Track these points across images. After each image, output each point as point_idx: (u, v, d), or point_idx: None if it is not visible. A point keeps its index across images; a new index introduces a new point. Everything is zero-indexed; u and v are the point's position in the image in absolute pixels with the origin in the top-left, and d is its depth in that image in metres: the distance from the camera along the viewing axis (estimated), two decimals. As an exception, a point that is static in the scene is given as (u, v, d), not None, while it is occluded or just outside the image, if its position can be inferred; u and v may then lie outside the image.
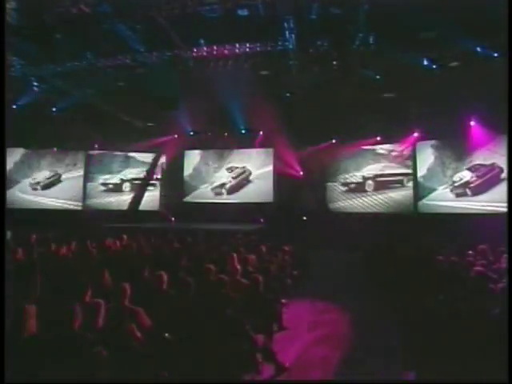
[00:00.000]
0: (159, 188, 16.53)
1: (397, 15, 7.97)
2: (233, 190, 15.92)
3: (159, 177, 16.36)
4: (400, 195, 14.12)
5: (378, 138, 13.96)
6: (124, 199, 16.58)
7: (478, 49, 9.41)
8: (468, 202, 13.04)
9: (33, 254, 6.67)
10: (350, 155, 14.62)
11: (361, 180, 14.67)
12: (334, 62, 10.39)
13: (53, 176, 16.51)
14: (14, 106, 12.92)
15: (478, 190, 12.83)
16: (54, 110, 13.70)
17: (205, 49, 10.27)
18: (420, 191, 13.79)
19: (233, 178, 15.95)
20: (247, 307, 4.53)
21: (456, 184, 13.25)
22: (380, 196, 14.36)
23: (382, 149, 14.36)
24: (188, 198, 16.38)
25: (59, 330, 3.38)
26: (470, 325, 4.00)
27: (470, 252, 6.74)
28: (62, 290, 4.77)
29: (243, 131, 15.10)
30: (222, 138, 15.69)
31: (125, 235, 9.38)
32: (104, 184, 16.69)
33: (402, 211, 13.95)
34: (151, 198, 16.49)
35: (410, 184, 13.99)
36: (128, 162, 16.57)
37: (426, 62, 10.11)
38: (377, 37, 9.26)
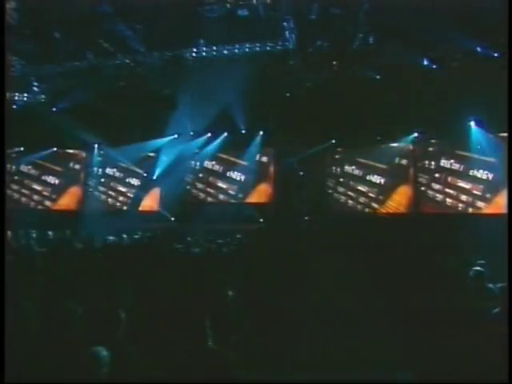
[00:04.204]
0: (159, 188, 16.49)
1: (397, 15, 7.98)
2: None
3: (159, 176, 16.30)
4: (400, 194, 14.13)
5: (378, 138, 13.94)
6: (124, 199, 16.60)
7: (478, 49, 9.41)
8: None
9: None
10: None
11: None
12: (334, 62, 10.40)
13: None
14: (14, 106, 12.93)
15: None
16: (54, 109, 13.69)
17: (205, 49, 10.27)
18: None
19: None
20: (247, 307, 4.54)
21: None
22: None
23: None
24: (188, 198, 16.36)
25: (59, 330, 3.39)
26: (470, 325, 4.00)
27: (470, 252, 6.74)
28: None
29: (243, 131, 15.08)
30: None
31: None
32: (104, 184, 16.71)
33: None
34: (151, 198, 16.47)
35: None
36: (128, 162, 16.55)
37: (426, 62, 10.11)
38: (377, 37, 9.26)
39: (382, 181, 14.38)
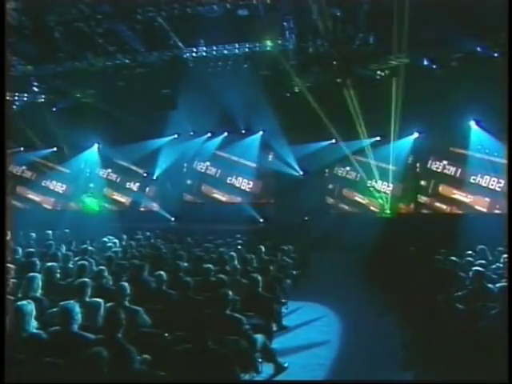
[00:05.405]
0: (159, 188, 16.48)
1: (397, 15, 7.98)
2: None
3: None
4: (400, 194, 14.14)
5: (378, 138, 13.94)
6: (124, 199, 16.61)
7: (478, 49, 9.42)
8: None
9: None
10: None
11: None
12: (334, 62, 10.40)
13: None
14: (14, 106, 12.94)
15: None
16: (54, 109, 13.70)
17: (205, 49, 10.28)
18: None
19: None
20: (247, 307, 4.54)
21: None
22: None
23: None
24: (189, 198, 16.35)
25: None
26: (470, 325, 4.00)
27: (469, 252, 6.74)
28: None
29: (243, 131, 15.09)
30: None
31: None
32: (104, 183, 16.72)
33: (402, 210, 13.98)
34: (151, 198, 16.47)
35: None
36: (128, 162, 16.53)
37: (426, 62, 10.11)
38: (377, 37, 9.27)
39: (382, 181, 14.38)
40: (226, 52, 10.36)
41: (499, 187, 12.56)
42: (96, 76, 11.31)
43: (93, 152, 16.41)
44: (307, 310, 6.64)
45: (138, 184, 16.56)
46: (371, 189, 14.49)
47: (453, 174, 13.48)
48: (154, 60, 10.68)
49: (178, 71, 10.91)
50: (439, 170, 13.69)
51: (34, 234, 9.67)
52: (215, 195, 16.16)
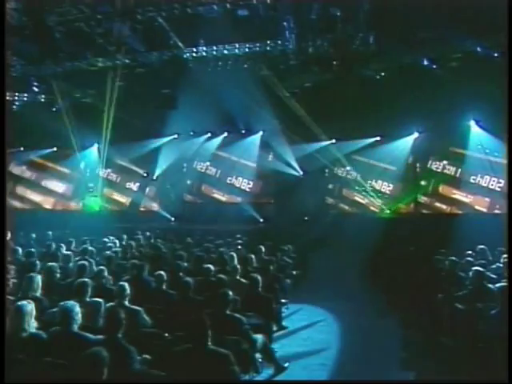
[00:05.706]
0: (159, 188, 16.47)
1: (397, 15, 7.98)
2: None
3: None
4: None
5: (378, 138, 13.94)
6: (125, 199, 16.61)
7: (478, 49, 9.42)
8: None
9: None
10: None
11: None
12: (334, 62, 10.39)
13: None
14: (14, 106, 12.94)
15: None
16: (53, 109, 13.70)
17: (205, 49, 10.28)
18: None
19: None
20: (247, 307, 4.54)
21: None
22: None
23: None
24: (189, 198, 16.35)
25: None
26: (470, 325, 4.00)
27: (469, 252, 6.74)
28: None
29: (243, 131, 15.09)
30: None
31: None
32: (104, 183, 16.70)
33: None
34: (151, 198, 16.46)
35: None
36: (128, 162, 16.53)
37: (426, 62, 10.11)
38: (377, 37, 9.27)
39: (382, 181, 14.38)
40: (225, 52, 10.35)
41: (499, 187, 12.54)
42: (96, 76, 11.31)
43: (93, 152, 16.41)
44: (308, 310, 6.65)
45: (138, 184, 16.56)
46: (371, 189, 14.49)
47: (453, 173, 13.49)
48: (153, 60, 10.68)
49: (178, 71, 10.90)
50: (439, 170, 13.70)
51: (34, 234, 9.67)
52: (215, 195, 16.15)
